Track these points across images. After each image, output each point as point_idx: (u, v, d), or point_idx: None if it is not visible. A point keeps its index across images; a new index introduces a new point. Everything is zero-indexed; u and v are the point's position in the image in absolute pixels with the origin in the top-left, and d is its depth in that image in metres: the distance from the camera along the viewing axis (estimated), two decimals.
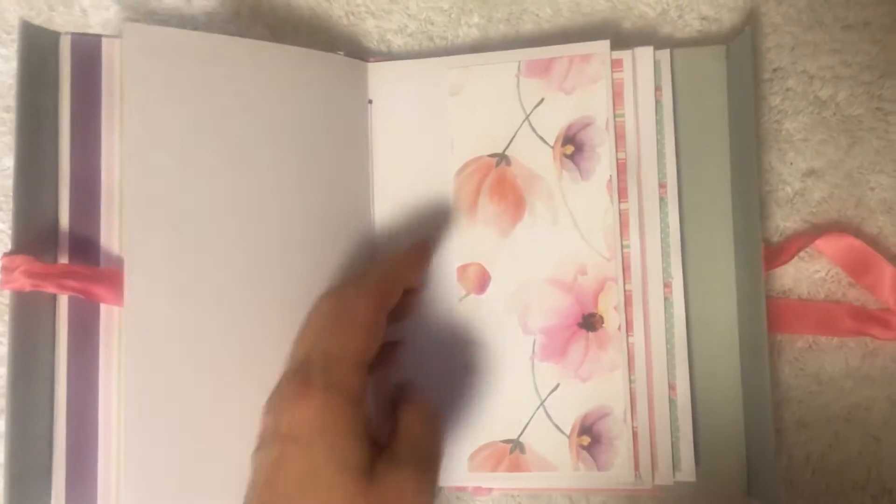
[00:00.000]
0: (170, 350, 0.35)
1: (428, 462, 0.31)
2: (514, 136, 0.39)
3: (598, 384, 0.37)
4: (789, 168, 0.40)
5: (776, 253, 0.38)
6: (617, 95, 0.39)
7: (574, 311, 0.38)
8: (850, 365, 0.39)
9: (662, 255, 0.38)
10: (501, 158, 0.39)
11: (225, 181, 0.36)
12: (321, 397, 0.29)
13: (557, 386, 0.38)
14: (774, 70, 0.40)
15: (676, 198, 0.38)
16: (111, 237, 0.37)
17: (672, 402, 0.37)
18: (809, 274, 0.39)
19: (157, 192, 0.35)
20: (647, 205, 0.38)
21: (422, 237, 0.39)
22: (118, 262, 0.38)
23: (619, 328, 0.38)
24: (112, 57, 0.38)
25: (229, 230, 0.36)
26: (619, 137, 0.39)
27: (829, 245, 0.38)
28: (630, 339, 0.38)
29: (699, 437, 0.37)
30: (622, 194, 0.38)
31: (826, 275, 0.39)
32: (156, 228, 0.35)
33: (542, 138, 0.39)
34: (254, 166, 0.37)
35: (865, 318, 0.38)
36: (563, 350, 0.38)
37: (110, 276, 0.36)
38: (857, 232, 0.39)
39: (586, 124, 0.38)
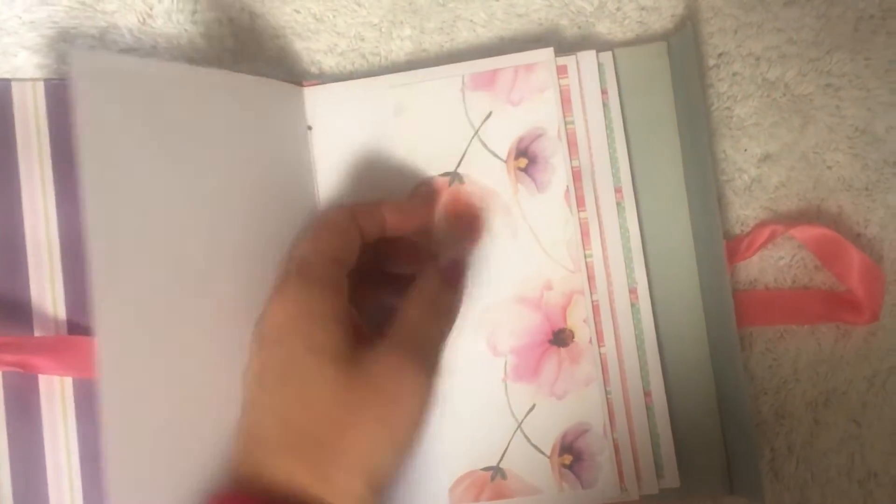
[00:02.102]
0: (150, 412, 0.31)
1: (422, 347, 0.30)
2: (465, 153, 0.37)
3: (574, 400, 0.36)
4: (744, 155, 0.39)
5: (744, 243, 0.37)
6: (565, 102, 0.37)
7: (543, 327, 0.37)
8: (824, 350, 0.38)
9: (625, 262, 0.37)
10: (454, 177, 0.37)
11: (179, 216, 0.33)
12: (295, 289, 0.29)
13: (533, 406, 0.36)
14: (720, 55, 0.39)
15: (633, 201, 0.37)
16: (43, 300, 0.35)
17: (649, 410, 0.36)
18: (774, 261, 0.39)
19: (120, 234, 0.31)
20: (604, 212, 0.37)
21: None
22: (54, 327, 0.35)
23: (591, 341, 0.37)
24: (25, 103, 0.35)
25: (179, 266, 0.33)
26: (572, 145, 0.37)
27: (800, 230, 0.37)
28: (602, 350, 0.37)
29: (679, 442, 0.36)
30: (579, 203, 0.37)
31: (791, 261, 0.39)
32: (125, 289, 0.31)
33: (493, 153, 0.37)
34: (202, 196, 0.34)
35: (835, 303, 0.38)
36: (535, 369, 0.37)
37: (51, 344, 0.34)
38: (818, 213, 0.39)
39: (538, 135, 0.37)
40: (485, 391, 0.37)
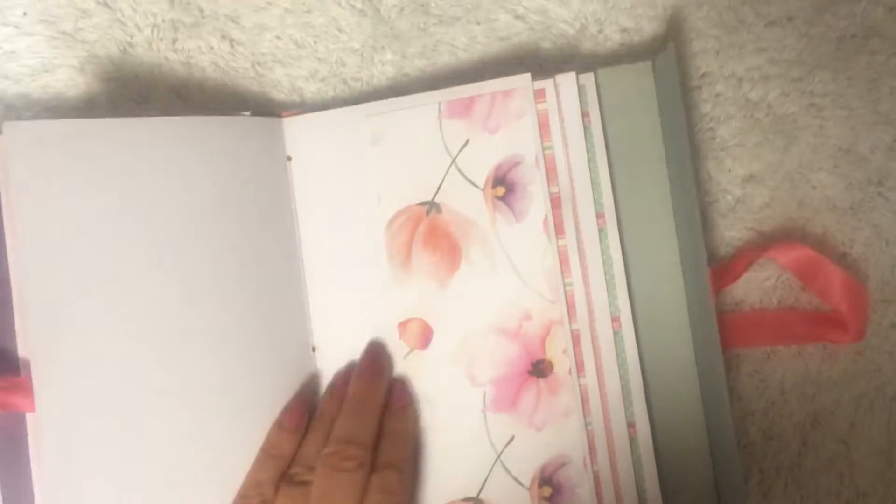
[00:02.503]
0: (88, 455, 0.33)
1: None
2: (442, 182, 0.37)
3: (553, 432, 0.36)
4: (728, 175, 0.39)
5: (726, 270, 0.37)
6: (543, 127, 0.37)
7: (522, 358, 0.36)
8: (810, 370, 0.38)
9: (608, 289, 0.36)
10: (431, 206, 0.37)
11: (137, 268, 0.34)
12: None
13: (513, 438, 0.36)
14: (702, 76, 0.39)
15: (616, 227, 0.36)
16: (26, 343, 0.35)
17: (633, 441, 0.36)
18: (760, 283, 0.38)
19: (58, 294, 0.33)
20: (585, 238, 0.36)
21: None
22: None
23: (570, 372, 0.36)
24: (6, 151, 0.35)
25: (144, 323, 0.34)
26: (550, 171, 0.37)
27: (779, 252, 0.37)
28: (582, 381, 0.36)
29: (664, 474, 0.36)
30: (559, 230, 0.37)
31: (777, 281, 0.38)
32: (61, 332, 0.33)
33: (471, 181, 0.37)
34: (168, 249, 0.35)
35: (821, 323, 0.37)
36: (514, 400, 0.36)
37: (26, 385, 0.34)
38: (803, 233, 0.38)
39: (515, 163, 0.37)
40: (464, 421, 0.36)
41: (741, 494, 0.34)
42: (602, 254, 0.36)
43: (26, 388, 0.34)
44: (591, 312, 0.36)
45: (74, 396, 0.33)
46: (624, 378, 0.36)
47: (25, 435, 0.34)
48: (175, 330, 0.35)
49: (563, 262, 0.37)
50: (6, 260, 0.35)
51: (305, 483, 0.33)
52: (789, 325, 0.38)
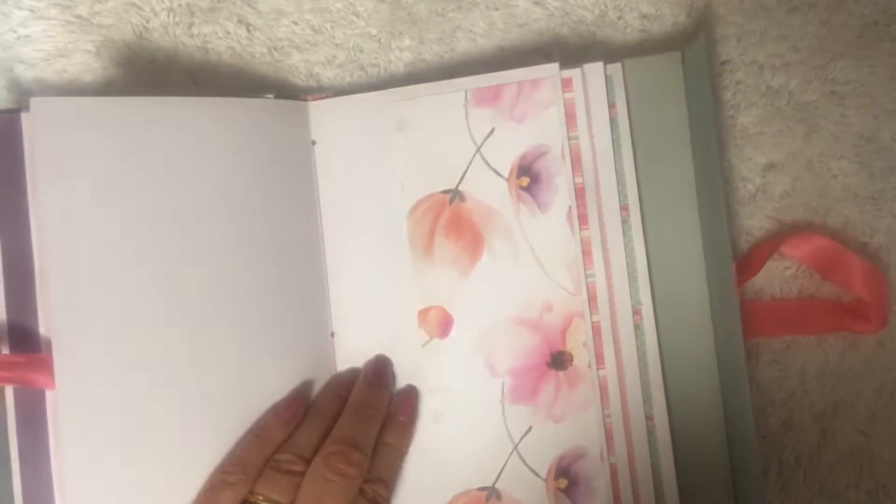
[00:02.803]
0: (106, 434, 0.33)
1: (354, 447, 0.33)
2: (466, 170, 0.37)
3: (571, 424, 0.36)
4: (748, 164, 0.38)
5: (744, 266, 0.37)
6: (569, 117, 0.36)
7: (542, 350, 0.36)
8: (831, 361, 0.38)
9: (629, 281, 0.36)
10: (455, 194, 0.37)
11: (160, 248, 0.34)
12: None
13: (530, 429, 0.36)
14: (723, 63, 0.39)
15: (640, 219, 0.36)
16: (48, 321, 0.35)
17: (651, 434, 0.36)
18: (780, 272, 0.38)
19: (80, 274, 0.33)
20: (609, 230, 0.36)
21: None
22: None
23: (590, 365, 0.36)
24: (33, 126, 0.35)
25: (164, 303, 0.34)
26: (575, 161, 0.36)
27: (795, 248, 0.37)
28: (601, 373, 0.36)
29: (682, 466, 0.36)
30: (582, 221, 0.36)
31: (797, 271, 0.38)
32: (82, 310, 0.33)
33: (496, 171, 0.37)
34: (192, 229, 0.34)
35: (842, 313, 0.37)
36: (533, 391, 0.36)
37: (46, 361, 0.34)
38: (824, 224, 0.38)
39: (541, 153, 0.36)
40: (481, 411, 0.36)
41: (760, 486, 0.34)
42: (625, 245, 0.36)
43: (46, 365, 0.33)
44: (612, 304, 0.36)
45: (94, 375, 0.33)
46: (643, 371, 0.36)
47: (44, 412, 0.34)
48: (195, 310, 0.34)
49: (586, 253, 0.36)
50: (30, 238, 0.34)
51: (292, 473, 0.33)
52: (810, 315, 0.38)
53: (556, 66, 0.36)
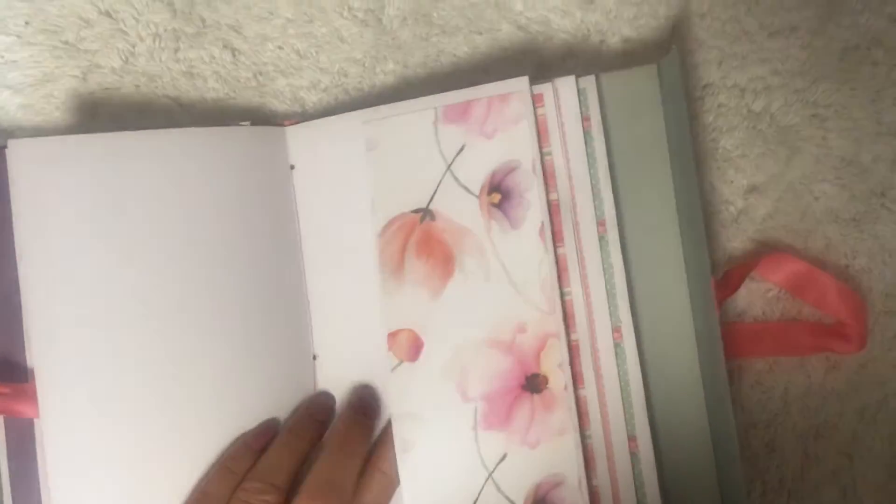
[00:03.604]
0: (90, 460, 0.34)
1: (333, 489, 0.33)
2: (436, 189, 0.36)
3: (547, 450, 0.35)
4: (730, 186, 0.39)
5: (722, 285, 0.37)
6: (542, 132, 0.36)
7: (516, 373, 0.35)
8: (814, 382, 0.38)
9: (608, 299, 0.36)
10: (426, 213, 0.37)
11: (141, 277, 0.35)
12: None
13: (504, 455, 0.35)
14: (704, 87, 0.39)
15: (617, 235, 0.36)
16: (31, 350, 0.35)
17: (634, 457, 0.35)
18: (762, 293, 0.38)
19: (60, 306, 0.34)
20: (586, 247, 0.36)
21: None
22: None
23: (566, 387, 0.35)
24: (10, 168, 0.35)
25: (146, 331, 0.34)
26: (549, 177, 0.36)
27: (770, 270, 0.37)
28: (581, 393, 0.35)
29: (667, 488, 0.35)
30: (557, 238, 0.36)
31: (779, 293, 0.38)
32: (64, 344, 0.34)
33: (466, 188, 0.36)
34: (174, 257, 0.35)
35: (824, 334, 0.37)
36: (507, 416, 0.35)
37: (32, 392, 0.34)
38: (805, 246, 0.38)
39: (512, 169, 0.36)
40: (454, 438, 0.35)
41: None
42: (603, 262, 0.36)
43: (32, 395, 0.34)
44: (591, 323, 0.36)
45: (75, 404, 0.34)
46: (625, 390, 0.35)
47: (33, 440, 0.35)
48: (176, 336, 0.35)
49: (563, 270, 0.36)
50: (16, 272, 0.35)
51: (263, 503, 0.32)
52: (792, 336, 0.38)
53: (525, 79, 0.36)
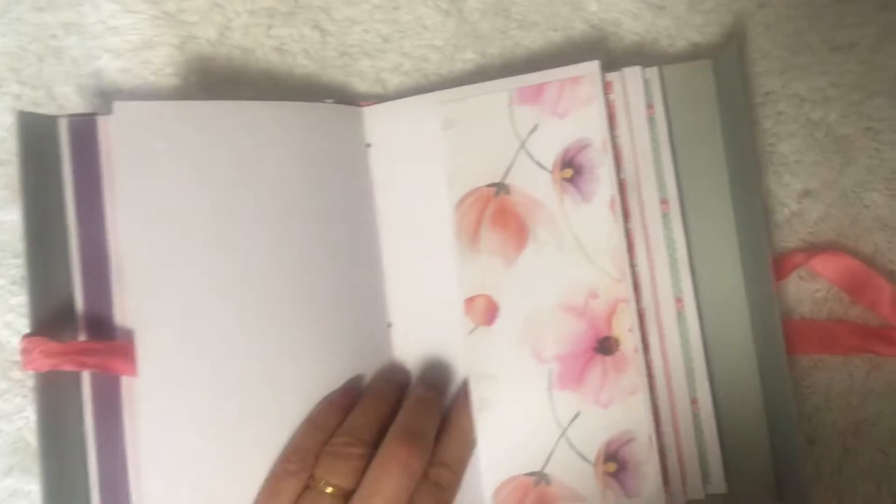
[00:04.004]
0: (180, 418, 0.35)
1: (413, 432, 0.34)
2: (511, 165, 0.38)
3: (619, 409, 0.37)
4: (785, 189, 0.41)
5: (778, 265, 0.39)
6: (611, 118, 0.39)
7: (588, 336, 0.37)
8: (856, 381, 0.39)
9: (671, 272, 0.38)
10: (500, 188, 0.39)
11: (230, 244, 0.36)
12: None
13: (578, 414, 0.37)
14: (766, 94, 0.41)
15: (679, 213, 0.38)
16: (124, 310, 0.37)
17: (695, 416, 0.37)
18: (810, 293, 0.40)
19: (160, 267, 0.35)
20: (650, 223, 0.38)
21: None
22: (132, 335, 0.37)
23: (636, 350, 0.37)
24: (108, 133, 0.38)
25: (238, 291, 0.36)
26: (618, 159, 0.39)
27: (825, 265, 0.39)
28: (647, 357, 0.38)
29: (725, 448, 0.37)
30: (625, 214, 0.38)
31: (827, 294, 0.40)
32: (163, 304, 0.35)
33: (539, 164, 0.38)
34: (258, 227, 0.37)
35: (868, 336, 0.39)
36: (580, 377, 0.37)
37: (125, 349, 0.36)
38: (854, 250, 0.40)
39: (583, 146, 0.38)
40: (529, 398, 0.37)
41: (802, 460, 0.36)
42: (665, 237, 0.38)
43: (125, 352, 0.35)
44: (655, 293, 0.38)
45: (171, 362, 0.35)
46: (687, 356, 0.38)
47: (120, 397, 0.36)
48: (261, 303, 0.36)
49: (630, 245, 0.38)
50: (105, 233, 0.37)
51: (349, 456, 0.34)
52: (837, 337, 0.39)
53: (596, 63, 0.38)
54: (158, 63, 0.42)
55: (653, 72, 0.39)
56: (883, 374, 0.39)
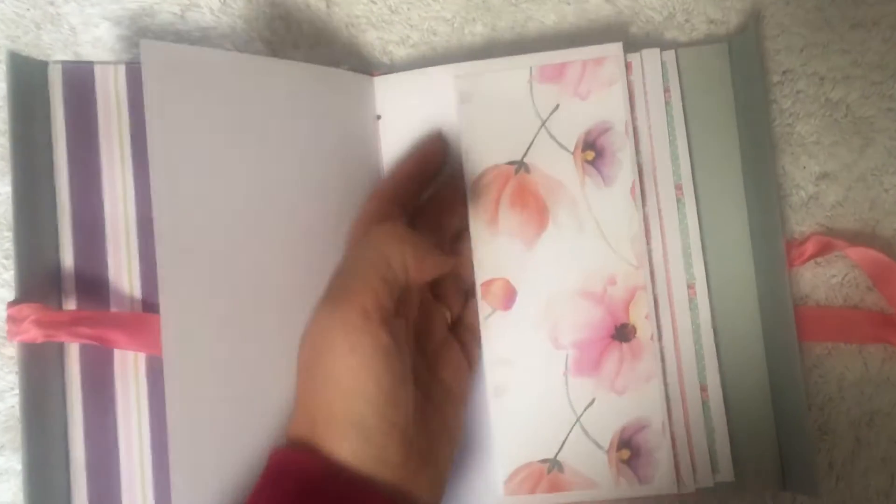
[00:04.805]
0: (211, 388, 0.32)
1: (337, 285, 0.31)
2: (531, 143, 0.38)
3: (634, 396, 0.36)
4: (802, 172, 0.39)
5: (797, 250, 0.38)
6: (630, 98, 0.38)
7: (606, 322, 0.37)
8: (870, 370, 0.38)
9: (683, 257, 0.38)
10: (520, 166, 0.38)
11: (246, 202, 0.34)
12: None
13: (593, 401, 0.36)
14: (784, 72, 0.40)
15: (693, 198, 0.38)
16: (120, 277, 0.36)
17: (705, 404, 0.37)
18: (826, 279, 0.39)
19: (187, 218, 0.32)
20: (664, 208, 0.38)
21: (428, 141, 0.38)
22: (130, 304, 0.36)
23: (652, 337, 0.37)
24: (106, 85, 0.36)
25: (252, 254, 0.34)
26: (635, 143, 0.38)
27: (854, 253, 0.38)
28: (659, 343, 0.37)
29: (733, 436, 0.37)
30: (642, 198, 0.38)
31: (843, 279, 0.39)
32: (189, 257, 0.32)
33: (561, 144, 0.37)
34: (271, 184, 0.35)
35: (885, 325, 0.38)
36: (597, 363, 0.37)
37: (127, 320, 0.35)
38: (873, 234, 0.39)
39: (606, 129, 0.37)
40: (545, 384, 0.37)
41: (811, 453, 0.35)
42: (679, 223, 0.38)
43: (122, 324, 0.34)
44: (668, 279, 0.37)
45: (198, 337, 0.32)
46: (698, 343, 0.37)
47: (112, 373, 0.35)
48: (280, 268, 0.34)
49: (645, 229, 0.37)
50: (101, 195, 0.35)
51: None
52: (853, 324, 0.38)
53: (619, 45, 0.37)
54: (158, 31, 0.41)
55: (669, 55, 0.38)
56: None
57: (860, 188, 0.39)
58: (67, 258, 0.35)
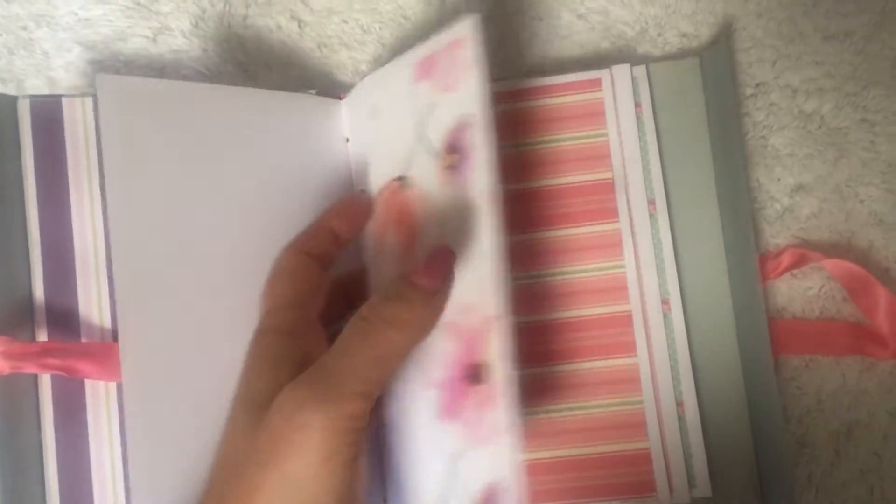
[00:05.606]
0: (172, 414, 0.32)
1: (325, 378, 0.26)
2: (413, 154, 0.33)
3: (489, 452, 0.29)
4: (777, 184, 0.39)
5: (772, 263, 0.38)
6: (598, 114, 0.38)
7: (462, 359, 0.30)
8: (848, 382, 0.38)
9: (657, 273, 0.37)
10: (403, 182, 0.33)
11: (208, 232, 0.34)
12: (251, 341, 0.30)
13: (461, 452, 0.30)
14: (757, 85, 0.40)
15: (666, 213, 0.38)
16: (90, 307, 0.36)
17: (681, 420, 0.37)
18: (803, 291, 0.39)
19: (145, 248, 0.33)
20: (637, 223, 0.38)
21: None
22: (100, 334, 0.36)
23: (508, 380, 0.28)
24: (74, 117, 0.36)
25: (217, 285, 0.34)
26: (605, 157, 0.38)
27: (834, 266, 0.38)
28: (632, 360, 0.37)
29: (710, 451, 0.37)
30: (611, 214, 0.38)
31: (820, 291, 0.39)
32: (150, 298, 0.32)
33: (433, 151, 0.32)
34: (233, 211, 0.35)
35: (862, 336, 0.38)
36: (457, 407, 0.30)
37: (94, 350, 0.35)
38: (849, 245, 0.39)
39: (465, 125, 0.30)
40: (420, 425, 0.32)
41: (788, 466, 0.35)
42: (653, 238, 0.38)
43: (90, 354, 0.34)
44: (642, 295, 0.37)
45: (157, 362, 0.32)
46: (673, 358, 0.37)
47: (84, 401, 0.35)
48: (246, 296, 0.34)
49: (616, 244, 0.37)
50: (70, 226, 0.35)
51: None
52: (830, 336, 0.38)
53: (473, 19, 0.30)
54: (130, 56, 0.41)
55: (640, 70, 0.38)
56: (875, 374, 0.38)
57: (835, 200, 0.39)
58: (38, 289, 0.35)
